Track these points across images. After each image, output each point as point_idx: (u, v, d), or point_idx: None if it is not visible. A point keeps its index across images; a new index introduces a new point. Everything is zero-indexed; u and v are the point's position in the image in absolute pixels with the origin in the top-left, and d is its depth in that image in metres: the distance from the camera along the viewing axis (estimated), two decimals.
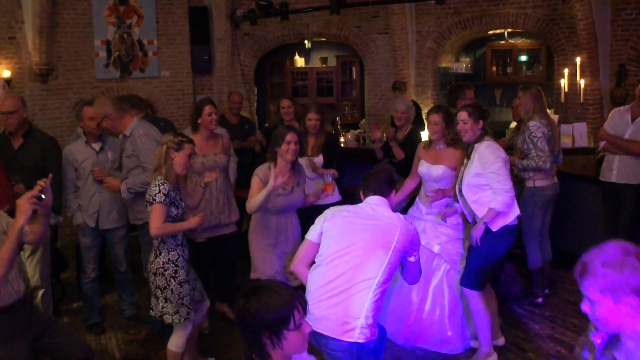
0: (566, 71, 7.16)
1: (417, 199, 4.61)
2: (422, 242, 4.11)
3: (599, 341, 1.87)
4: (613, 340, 1.85)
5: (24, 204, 2.65)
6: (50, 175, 2.81)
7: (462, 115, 4.00)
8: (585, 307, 1.82)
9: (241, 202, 4.70)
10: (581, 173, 6.00)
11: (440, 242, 4.30)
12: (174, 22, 8.54)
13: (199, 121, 4.58)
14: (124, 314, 5.10)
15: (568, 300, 5.26)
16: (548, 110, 5.29)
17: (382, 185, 3.13)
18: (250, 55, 9.49)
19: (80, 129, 5.37)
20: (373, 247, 2.92)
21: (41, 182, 2.67)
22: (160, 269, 3.65)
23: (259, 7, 7.06)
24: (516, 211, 4.04)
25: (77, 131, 5.44)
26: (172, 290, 3.64)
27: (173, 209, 3.63)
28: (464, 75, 9.69)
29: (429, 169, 4.31)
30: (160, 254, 3.66)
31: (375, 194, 3.13)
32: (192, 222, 3.65)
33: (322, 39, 10.26)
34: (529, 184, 4.96)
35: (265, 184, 3.90)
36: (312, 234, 3.09)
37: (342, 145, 7.45)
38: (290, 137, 3.97)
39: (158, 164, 3.65)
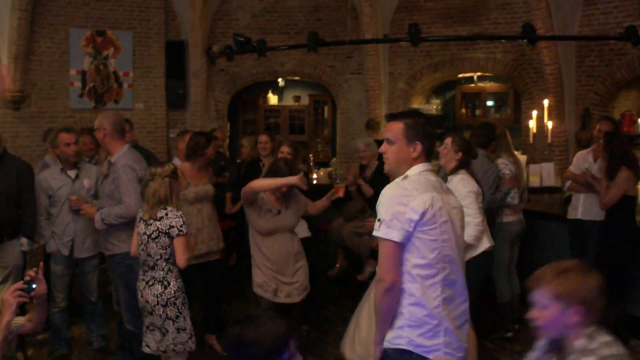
0: (534, 113, 7.45)
1: None
2: None
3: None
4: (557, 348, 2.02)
5: (8, 298, 2.46)
6: (42, 264, 2.67)
7: (448, 140, 4.21)
8: (534, 314, 2.03)
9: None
10: (549, 211, 6.16)
11: None
12: (151, 55, 8.65)
13: (203, 155, 4.75)
14: (92, 345, 4.99)
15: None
16: (515, 151, 5.52)
17: None
18: (224, 91, 9.59)
19: (49, 157, 5.33)
20: None
21: (30, 273, 2.53)
22: (172, 299, 3.63)
23: (236, 43, 7.22)
24: (484, 244, 4.20)
25: (45, 160, 5.42)
26: (184, 317, 3.66)
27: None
28: (434, 116, 9.82)
29: None
30: (169, 284, 3.64)
31: None
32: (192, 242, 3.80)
33: (296, 78, 10.43)
34: (497, 219, 5.09)
35: (259, 202, 4.07)
36: None
37: (314, 182, 7.57)
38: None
39: (164, 197, 3.64)
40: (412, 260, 2.46)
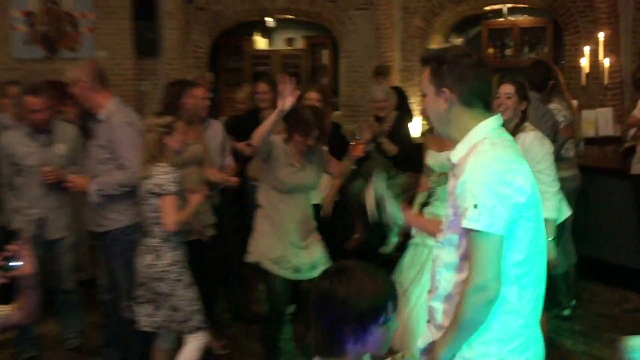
0: (587, 49, 7.37)
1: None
2: (433, 243, 4.20)
3: None
4: None
5: None
6: (24, 235, 2.54)
7: (507, 88, 4.11)
8: None
9: None
10: (607, 166, 6.18)
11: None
12: None
13: (184, 103, 4.54)
14: (67, 344, 4.93)
15: (599, 314, 5.35)
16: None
17: None
18: (204, 35, 9.45)
19: (7, 115, 5.19)
20: None
21: (12, 247, 2.42)
22: (164, 273, 3.69)
23: None
24: (566, 212, 4.31)
25: (2, 119, 5.26)
26: (180, 296, 3.72)
27: (180, 200, 3.72)
28: None
29: (435, 158, 4.38)
30: (164, 255, 3.70)
31: None
32: (198, 198, 3.81)
33: (289, 16, 10.27)
34: None
35: (277, 155, 4.10)
36: None
37: None
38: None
39: (150, 155, 3.70)
40: (512, 256, 2.23)
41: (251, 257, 4.27)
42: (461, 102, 2.28)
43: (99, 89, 4.16)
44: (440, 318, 2.30)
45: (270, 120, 3.87)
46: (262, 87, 5.83)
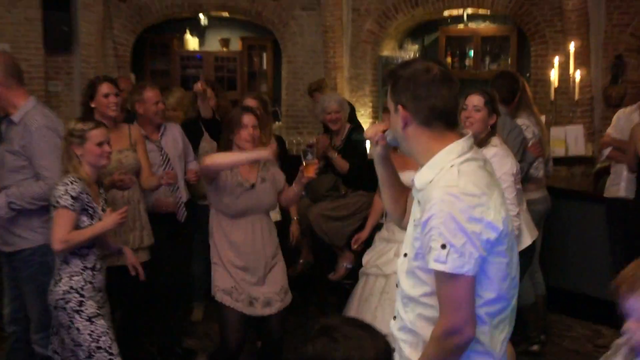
0: (556, 60, 7.46)
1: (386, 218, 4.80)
2: (390, 272, 4.42)
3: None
4: None
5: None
6: None
7: (476, 99, 4.15)
8: (631, 326, 2.07)
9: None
10: (577, 188, 6.25)
11: None
12: None
13: (93, 105, 4.46)
14: None
15: (570, 349, 5.43)
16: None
17: None
18: (127, 30, 9.25)
19: None
20: None
21: None
22: (61, 302, 3.64)
23: None
24: (526, 240, 4.39)
25: None
26: (78, 329, 3.63)
27: (85, 218, 3.64)
28: None
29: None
30: (60, 280, 3.66)
31: None
32: (107, 221, 3.66)
33: (224, 14, 10.19)
34: None
35: (223, 177, 4.11)
36: None
37: None
38: (247, 120, 4.13)
39: (63, 164, 3.71)
40: (483, 295, 2.24)
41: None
42: (418, 121, 2.31)
43: (14, 86, 4.05)
44: (406, 351, 2.35)
45: (241, 158, 4.01)
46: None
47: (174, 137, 5.03)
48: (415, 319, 2.33)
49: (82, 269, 3.68)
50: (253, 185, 4.18)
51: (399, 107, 2.31)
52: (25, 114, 4.04)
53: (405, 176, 4.11)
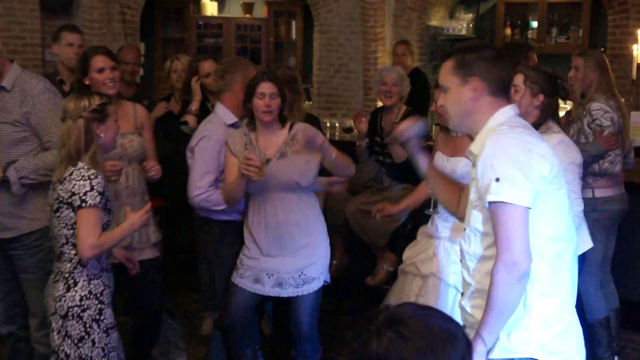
0: None
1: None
2: (433, 270, 4.45)
3: None
4: None
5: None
6: None
7: (517, 79, 4.14)
8: None
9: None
10: None
11: (458, 270, 4.24)
12: None
13: (86, 81, 4.40)
14: None
15: None
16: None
17: None
18: None
19: None
20: None
21: None
22: (76, 309, 3.52)
23: None
24: (587, 241, 4.42)
25: None
26: (93, 341, 3.54)
27: (104, 215, 3.57)
28: (463, 39, 9.87)
29: (445, 164, 4.50)
30: (75, 284, 3.55)
31: None
32: (134, 221, 3.62)
33: None
34: (586, 194, 4.94)
35: (238, 155, 4.14)
36: None
37: None
38: (264, 87, 4.14)
39: (75, 148, 3.54)
40: (543, 231, 2.63)
41: None
42: (489, 91, 2.73)
43: None
44: (477, 314, 2.67)
45: (235, 184, 4.10)
46: (208, 65, 5.74)
47: None
48: (483, 278, 2.66)
49: (100, 271, 3.65)
50: (267, 161, 4.17)
51: (474, 77, 2.70)
52: (16, 78, 4.08)
53: (454, 163, 4.46)
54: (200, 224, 4.61)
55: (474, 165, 2.71)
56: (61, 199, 3.54)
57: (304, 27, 10.50)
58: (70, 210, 3.53)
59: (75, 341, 3.55)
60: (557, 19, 9.38)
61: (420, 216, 5.09)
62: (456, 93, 2.76)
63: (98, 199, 3.52)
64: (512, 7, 9.69)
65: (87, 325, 3.56)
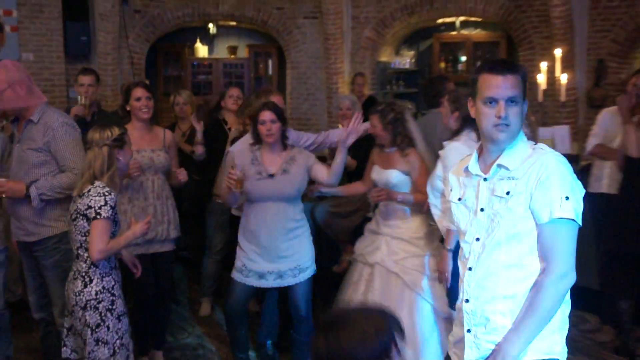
0: (544, 65, 7.57)
1: (375, 211, 4.81)
2: (378, 260, 4.49)
3: None
4: None
5: None
6: None
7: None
8: None
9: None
10: None
11: (397, 259, 4.46)
12: None
13: (127, 107, 4.58)
14: None
15: None
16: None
17: None
18: (141, 39, 9.32)
19: None
20: None
21: None
22: (93, 301, 3.56)
23: None
24: None
25: None
26: (108, 327, 3.57)
27: (113, 226, 3.59)
28: (407, 71, 10.06)
29: (380, 175, 4.54)
30: (91, 281, 3.57)
31: None
32: (136, 230, 3.65)
33: (232, 23, 10.26)
34: None
35: (240, 167, 4.14)
36: None
37: None
38: (263, 115, 4.17)
39: (99, 171, 3.60)
40: None
41: None
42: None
43: (34, 91, 4.12)
44: (500, 321, 2.44)
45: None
46: (235, 91, 5.84)
47: None
48: (512, 285, 2.44)
49: (110, 269, 3.66)
50: (272, 175, 4.22)
51: (508, 102, 2.42)
52: (43, 114, 4.09)
53: (387, 174, 4.48)
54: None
55: (505, 178, 2.45)
56: (79, 210, 3.54)
57: (278, 65, 10.49)
58: (85, 220, 3.53)
59: (94, 327, 3.56)
60: (481, 54, 9.54)
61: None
62: (521, 107, 2.47)
63: (110, 212, 3.52)
64: (445, 46, 9.83)
65: (102, 314, 3.57)
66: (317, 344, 1.85)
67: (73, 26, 8.49)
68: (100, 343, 3.55)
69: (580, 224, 2.35)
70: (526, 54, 8.48)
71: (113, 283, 3.62)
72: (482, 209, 2.49)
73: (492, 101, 2.44)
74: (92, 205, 3.49)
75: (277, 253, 4.24)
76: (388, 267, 4.46)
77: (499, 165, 2.46)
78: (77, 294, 3.56)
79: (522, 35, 8.52)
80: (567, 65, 7.77)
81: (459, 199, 2.62)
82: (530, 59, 8.34)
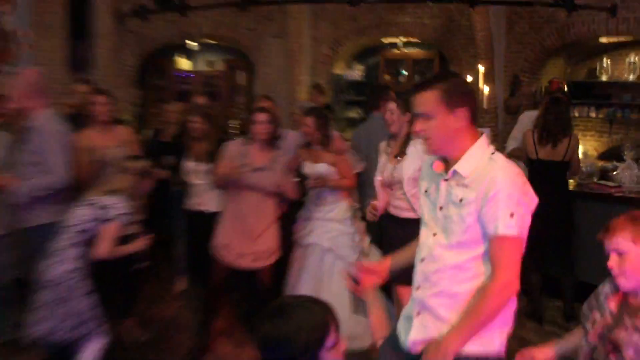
0: (469, 78, 7.77)
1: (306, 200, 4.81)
2: (311, 240, 4.49)
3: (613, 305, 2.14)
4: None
5: None
6: None
7: (391, 105, 4.13)
8: (612, 263, 2.09)
9: None
10: None
11: (330, 237, 4.51)
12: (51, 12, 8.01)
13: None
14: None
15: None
16: None
17: None
18: (134, 55, 9.30)
19: None
20: None
21: None
22: (64, 276, 3.43)
23: (157, 0, 6.92)
24: None
25: None
26: (78, 300, 3.44)
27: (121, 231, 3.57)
28: (357, 82, 10.15)
29: (311, 168, 4.55)
30: (63, 260, 3.45)
31: None
32: (140, 244, 3.63)
33: (211, 41, 10.23)
34: None
35: (233, 159, 4.11)
36: None
37: None
38: (258, 117, 4.17)
39: (126, 190, 3.60)
40: None
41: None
42: (471, 119, 2.22)
43: (34, 98, 3.97)
44: (443, 312, 2.26)
45: (227, 170, 4.03)
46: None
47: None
48: (456, 284, 2.23)
49: (83, 253, 3.49)
50: (256, 169, 4.16)
51: (464, 109, 2.18)
52: (44, 119, 3.97)
53: (318, 167, 4.46)
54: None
55: (461, 185, 2.21)
56: (99, 213, 3.45)
57: (249, 76, 10.39)
58: (98, 222, 3.44)
59: (63, 301, 3.36)
60: (418, 70, 9.60)
61: None
62: (442, 122, 2.18)
63: (124, 218, 3.47)
64: (389, 61, 9.90)
65: (72, 288, 3.39)
66: (260, 329, 1.76)
67: (76, 43, 8.36)
68: (69, 316, 3.37)
69: (524, 237, 2.16)
70: (456, 68, 8.60)
71: (84, 264, 3.47)
72: (441, 208, 2.27)
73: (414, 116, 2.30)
74: (110, 210, 3.44)
75: (254, 237, 4.21)
76: (322, 245, 4.48)
77: (455, 172, 2.22)
78: (49, 268, 3.42)
79: (452, 54, 8.70)
80: (488, 79, 7.98)
81: (426, 191, 2.39)
82: (460, 73, 8.38)
